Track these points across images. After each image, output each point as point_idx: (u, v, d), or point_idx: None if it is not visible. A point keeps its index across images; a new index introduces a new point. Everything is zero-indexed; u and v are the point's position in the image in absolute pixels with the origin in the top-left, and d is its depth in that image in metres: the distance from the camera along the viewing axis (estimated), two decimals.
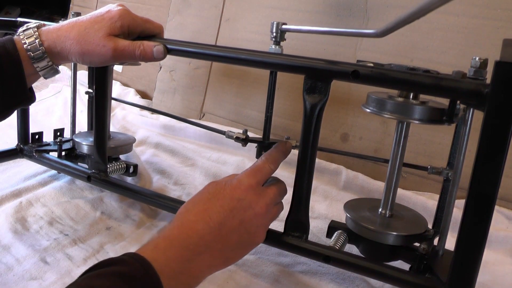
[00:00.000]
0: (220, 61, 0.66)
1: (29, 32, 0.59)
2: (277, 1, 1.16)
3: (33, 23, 0.61)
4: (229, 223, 0.48)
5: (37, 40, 0.58)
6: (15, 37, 0.59)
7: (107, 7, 0.62)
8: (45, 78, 0.62)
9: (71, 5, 1.86)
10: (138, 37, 0.64)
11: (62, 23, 0.62)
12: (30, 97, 0.62)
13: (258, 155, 0.77)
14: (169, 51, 0.64)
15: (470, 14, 0.90)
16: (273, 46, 0.72)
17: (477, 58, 0.53)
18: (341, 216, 0.71)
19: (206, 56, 0.66)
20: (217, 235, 0.47)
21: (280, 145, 0.60)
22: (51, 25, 0.62)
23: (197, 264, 0.45)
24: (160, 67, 1.42)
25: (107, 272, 0.38)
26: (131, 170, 0.90)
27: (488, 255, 0.78)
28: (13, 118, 0.88)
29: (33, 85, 0.64)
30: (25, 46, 0.58)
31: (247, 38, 1.22)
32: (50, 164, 0.91)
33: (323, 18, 1.08)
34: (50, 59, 0.60)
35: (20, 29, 0.60)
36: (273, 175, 0.58)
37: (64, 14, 1.96)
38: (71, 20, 0.62)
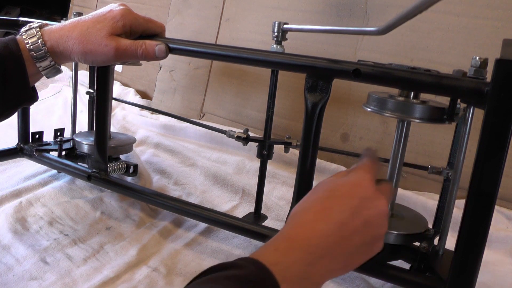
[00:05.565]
0: (222, 60, 0.66)
1: (32, 32, 0.59)
2: (277, 1, 1.16)
3: (35, 23, 0.61)
4: (352, 224, 0.42)
5: (39, 40, 0.58)
6: (18, 37, 0.59)
7: (109, 7, 0.62)
8: (48, 77, 0.62)
9: (71, 5, 1.87)
10: (140, 36, 0.64)
11: (64, 23, 0.62)
12: (33, 96, 0.62)
13: (259, 154, 0.77)
14: (171, 50, 0.64)
15: (470, 14, 0.90)
16: (275, 46, 0.72)
17: (477, 58, 0.53)
18: None
19: (208, 55, 0.65)
20: (338, 237, 0.42)
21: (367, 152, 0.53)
22: (53, 25, 0.61)
23: (318, 268, 0.40)
24: (160, 67, 1.42)
25: (221, 276, 0.34)
26: (131, 170, 0.90)
27: (488, 255, 0.78)
28: (13, 118, 0.88)
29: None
30: (27, 46, 0.58)
31: (247, 38, 1.22)
32: (50, 163, 0.91)
33: (323, 18, 1.08)
34: (53, 58, 0.60)
35: (23, 29, 0.60)
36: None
37: (64, 14, 1.95)
38: (73, 20, 0.62)
